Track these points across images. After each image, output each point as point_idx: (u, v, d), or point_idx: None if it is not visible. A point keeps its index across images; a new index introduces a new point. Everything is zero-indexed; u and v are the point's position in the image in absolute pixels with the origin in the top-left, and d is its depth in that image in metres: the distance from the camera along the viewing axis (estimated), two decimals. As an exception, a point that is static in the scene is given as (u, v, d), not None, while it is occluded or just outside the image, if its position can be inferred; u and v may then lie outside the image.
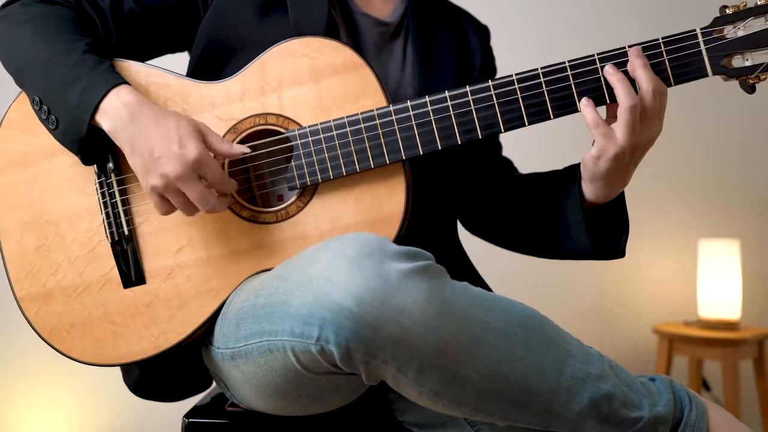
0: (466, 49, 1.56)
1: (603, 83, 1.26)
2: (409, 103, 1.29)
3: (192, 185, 1.21)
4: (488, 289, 1.42)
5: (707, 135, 3.21)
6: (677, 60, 1.26)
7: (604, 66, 1.26)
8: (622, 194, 1.37)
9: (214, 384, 1.54)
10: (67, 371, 2.85)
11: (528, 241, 1.53)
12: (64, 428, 2.95)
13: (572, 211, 1.36)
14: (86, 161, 1.31)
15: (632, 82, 1.25)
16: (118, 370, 1.44)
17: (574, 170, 1.38)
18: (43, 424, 2.93)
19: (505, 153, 1.67)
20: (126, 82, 1.27)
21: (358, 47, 1.45)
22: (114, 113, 1.24)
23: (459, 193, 1.56)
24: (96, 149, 1.31)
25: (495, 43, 1.65)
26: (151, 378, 1.41)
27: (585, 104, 1.25)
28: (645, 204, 3.12)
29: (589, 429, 1.10)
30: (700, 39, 1.26)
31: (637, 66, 1.24)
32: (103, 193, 1.34)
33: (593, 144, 1.27)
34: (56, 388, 2.94)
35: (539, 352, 1.09)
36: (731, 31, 1.25)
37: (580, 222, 1.34)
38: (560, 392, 1.08)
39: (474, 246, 1.63)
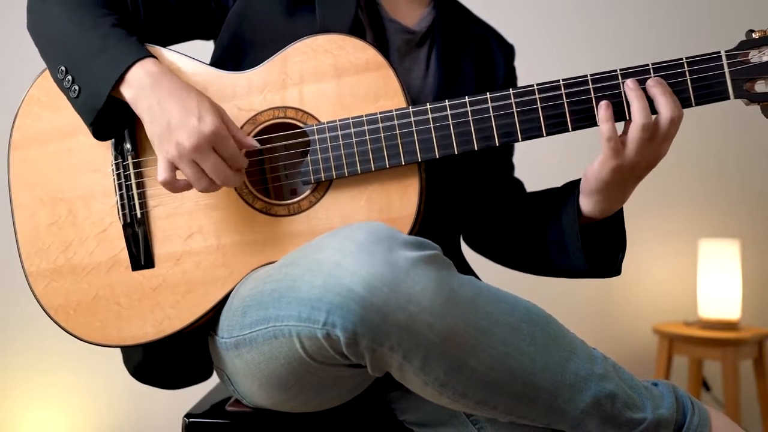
0: (490, 65, 1.55)
1: (624, 99, 1.26)
2: (428, 106, 1.28)
3: (207, 156, 1.22)
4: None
5: (708, 135, 3.19)
6: (700, 81, 1.25)
7: (626, 80, 1.26)
8: (621, 212, 1.38)
9: (214, 383, 1.55)
10: (68, 371, 2.88)
11: (526, 258, 1.53)
12: (64, 428, 2.95)
13: (569, 226, 1.36)
14: (98, 135, 1.31)
15: (650, 99, 1.25)
16: (118, 369, 1.45)
17: (573, 185, 1.38)
18: (43, 424, 2.94)
19: (521, 166, 1.67)
20: (152, 56, 1.28)
21: (382, 52, 1.43)
22: (137, 82, 1.25)
23: (466, 208, 1.56)
24: (110, 125, 1.31)
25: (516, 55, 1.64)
26: (153, 363, 1.42)
27: (604, 113, 1.25)
28: (645, 204, 3.09)
29: (592, 428, 1.11)
30: (724, 61, 1.25)
31: (658, 93, 1.24)
32: (118, 175, 1.35)
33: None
34: (56, 388, 2.94)
35: (544, 347, 1.09)
36: (756, 56, 1.24)
37: (576, 237, 1.35)
38: (564, 389, 1.09)
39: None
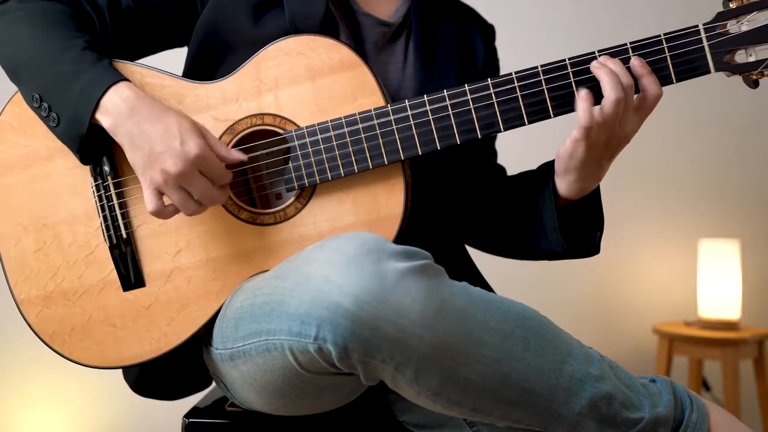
0: (469, 50, 1.53)
1: None
2: (407, 103, 1.27)
3: (194, 181, 1.21)
4: (489, 289, 1.41)
5: (708, 134, 3.20)
6: (679, 57, 1.24)
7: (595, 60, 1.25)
8: (598, 191, 1.37)
9: (214, 384, 1.54)
10: (67, 371, 2.83)
11: (506, 242, 1.52)
12: (64, 428, 2.95)
13: (545, 207, 1.35)
14: (85, 160, 1.30)
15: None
16: (117, 370, 1.43)
17: (549, 167, 1.37)
18: (43, 424, 2.94)
19: (510, 153, 1.65)
20: (125, 79, 1.26)
21: (358, 47, 1.43)
22: (114, 109, 1.23)
23: (452, 199, 1.54)
24: (95, 149, 1.30)
25: (498, 40, 1.62)
26: (151, 376, 1.42)
27: (583, 97, 1.23)
28: (645, 204, 3.11)
29: (589, 430, 1.09)
30: (703, 35, 1.23)
31: (645, 73, 1.24)
32: (100, 197, 1.33)
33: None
34: (56, 388, 2.94)
35: (538, 352, 1.08)
36: (735, 26, 1.23)
37: (553, 218, 1.34)
38: (559, 392, 1.08)
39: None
